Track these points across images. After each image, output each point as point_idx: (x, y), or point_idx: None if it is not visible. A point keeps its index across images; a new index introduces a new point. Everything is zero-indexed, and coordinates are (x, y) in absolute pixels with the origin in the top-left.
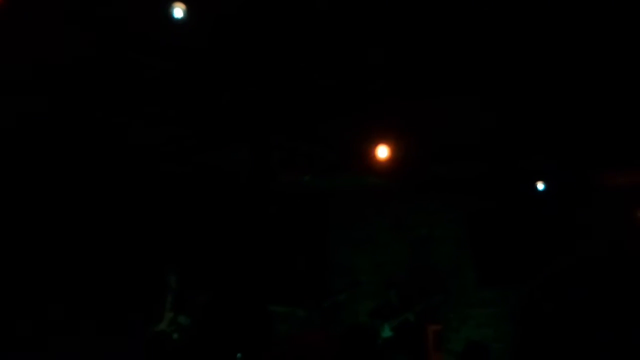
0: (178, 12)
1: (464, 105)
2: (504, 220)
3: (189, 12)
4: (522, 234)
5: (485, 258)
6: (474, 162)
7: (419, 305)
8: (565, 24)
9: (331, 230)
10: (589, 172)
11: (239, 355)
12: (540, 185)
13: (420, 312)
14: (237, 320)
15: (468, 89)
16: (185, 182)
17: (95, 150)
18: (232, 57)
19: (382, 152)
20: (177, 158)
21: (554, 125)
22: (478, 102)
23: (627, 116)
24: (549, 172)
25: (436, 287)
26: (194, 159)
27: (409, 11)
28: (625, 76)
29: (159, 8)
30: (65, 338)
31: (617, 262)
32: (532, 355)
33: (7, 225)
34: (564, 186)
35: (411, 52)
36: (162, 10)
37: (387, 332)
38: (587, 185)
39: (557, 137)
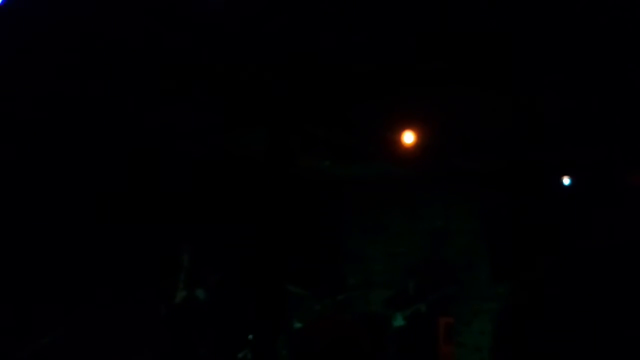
0: None
1: (488, 97)
2: (522, 216)
3: None
4: (539, 230)
5: (500, 253)
6: (495, 155)
7: (431, 296)
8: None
9: (345, 218)
10: (613, 170)
11: (250, 336)
12: (567, 180)
13: (432, 303)
14: (249, 302)
15: (493, 80)
16: (202, 163)
17: (111, 127)
18: (254, 36)
19: (409, 138)
20: (194, 138)
21: (579, 119)
22: (503, 93)
23: None
24: (571, 168)
25: (449, 279)
26: (212, 140)
27: None
28: None
29: None
30: (76, 314)
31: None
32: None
33: (29, 199)
34: (586, 183)
35: (438, 38)
36: None
37: (399, 322)
38: (610, 182)
39: (582, 132)
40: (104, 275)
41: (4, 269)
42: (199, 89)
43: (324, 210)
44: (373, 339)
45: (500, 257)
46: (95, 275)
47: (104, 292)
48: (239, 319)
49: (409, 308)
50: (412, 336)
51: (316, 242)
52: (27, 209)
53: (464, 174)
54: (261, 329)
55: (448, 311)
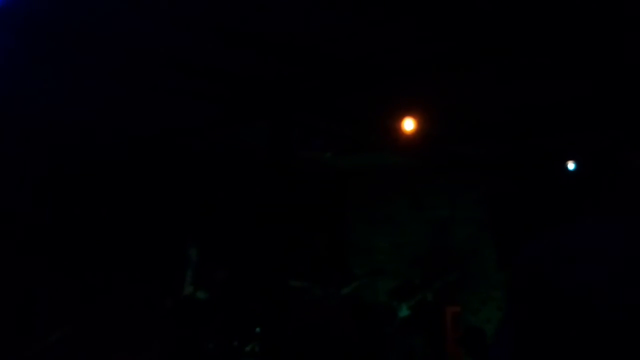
0: None
1: (489, 80)
2: (527, 202)
3: None
4: (545, 216)
5: (506, 240)
6: (498, 141)
7: (436, 283)
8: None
9: (349, 209)
10: (619, 153)
11: (257, 329)
12: (571, 165)
13: (438, 292)
14: (255, 295)
15: (495, 63)
16: (206, 158)
17: (120, 126)
18: (252, 33)
19: (409, 125)
20: (197, 134)
21: (583, 102)
22: (505, 77)
23: None
24: (576, 153)
25: (455, 268)
26: (215, 135)
27: None
28: None
29: None
30: (83, 311)
31: None
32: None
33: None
34: (591, 167)
35: (437, 23)
36: None
37: (404, 312)
38: (615, 166)
39: (586, 115)
40: (111, 272)
41: (9, 267)
42: (199, 84)
43: (328, 202)
44: (368, 327)
45: (506, 244)
46: (101, 271)
47: (111, 288)
48: (246, 312)
49: (414, 298)
50: (419, 326)
51: (321, 235)
52: (35, 206)
53: (468, 161)
54: (267, 321)
55: (455, 300)
